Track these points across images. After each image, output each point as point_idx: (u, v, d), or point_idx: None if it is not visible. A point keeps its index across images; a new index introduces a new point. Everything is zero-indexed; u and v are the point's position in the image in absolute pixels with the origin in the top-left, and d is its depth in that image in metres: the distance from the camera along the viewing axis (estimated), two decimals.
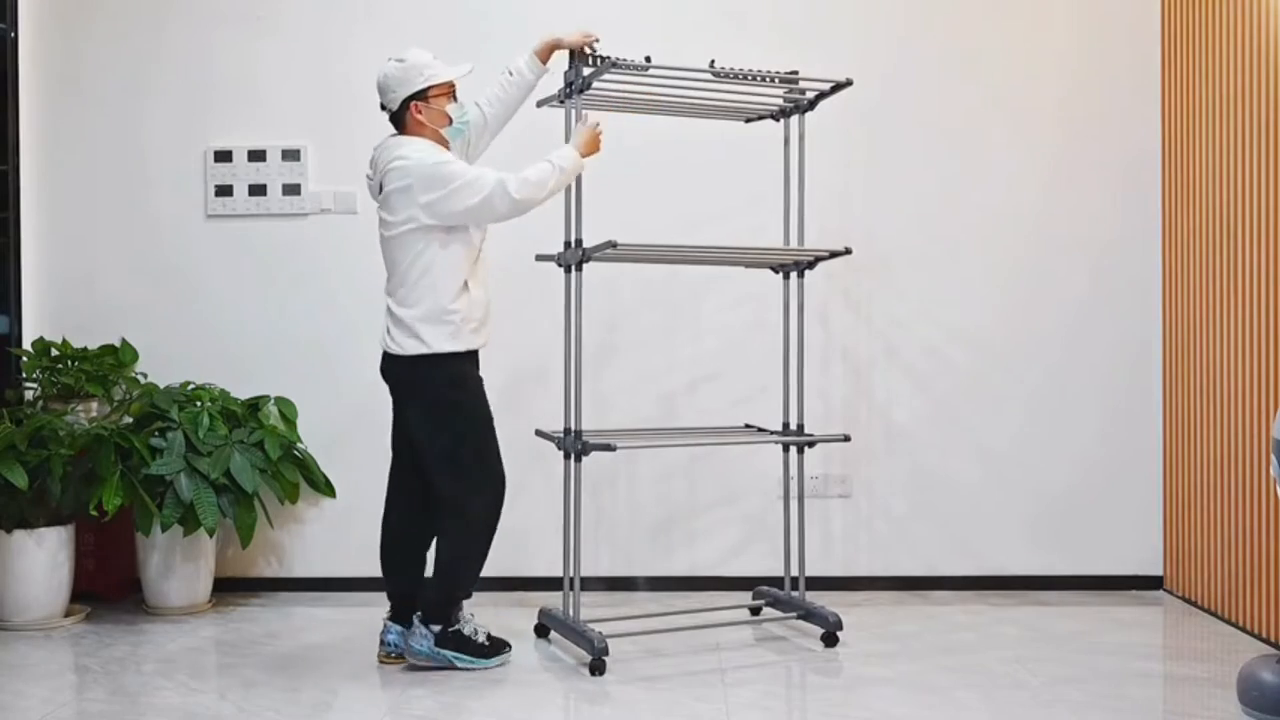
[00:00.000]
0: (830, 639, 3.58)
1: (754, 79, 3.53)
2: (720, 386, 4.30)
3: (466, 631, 3.32)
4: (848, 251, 3.71)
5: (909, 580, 4.31)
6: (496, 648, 3.36)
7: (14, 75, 4.24)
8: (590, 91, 3.47)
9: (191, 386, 4.13)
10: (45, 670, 3.39)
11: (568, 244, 3.46)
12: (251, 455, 3.95)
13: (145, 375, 4.26)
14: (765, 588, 3.96)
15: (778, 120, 3.85)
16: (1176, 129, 4.19)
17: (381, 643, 3.38)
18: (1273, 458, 2.92)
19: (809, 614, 3.69)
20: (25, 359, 4.16)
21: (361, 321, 4.11)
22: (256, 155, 4.32)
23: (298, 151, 4.30)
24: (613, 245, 3.33)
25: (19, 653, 3.56)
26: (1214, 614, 3.92)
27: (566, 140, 3.48)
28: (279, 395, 4.23)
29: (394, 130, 3.38)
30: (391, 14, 4.25)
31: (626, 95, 3.60)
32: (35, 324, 4.29)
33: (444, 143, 3.35)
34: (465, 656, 3.30)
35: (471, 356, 3.34)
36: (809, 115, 3.78)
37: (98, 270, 4.33)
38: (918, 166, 4.30)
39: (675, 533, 4.33)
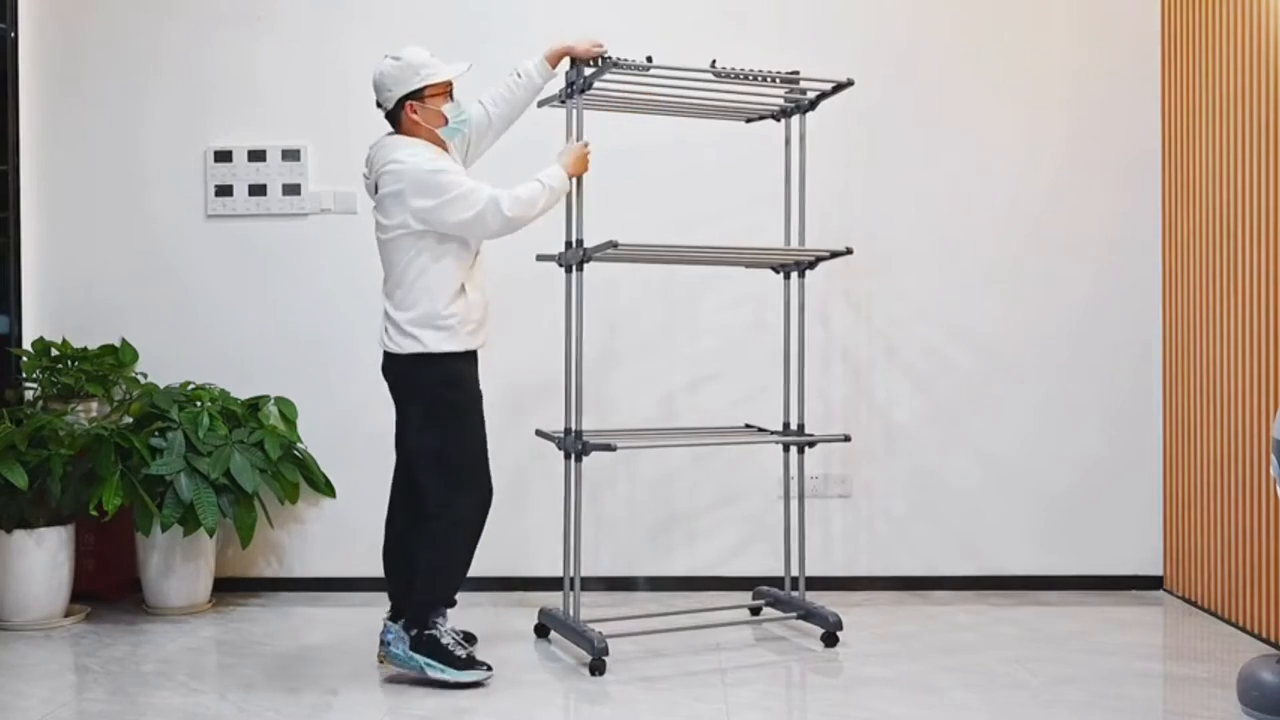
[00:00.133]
0: (830, 639, 3.58)
1: (755, 79, 3.53)
2: (720, 387, 4.30)
3: (444, 641, 3.22)
4: (848, 251, 3.71)
5: (909, 580, 4.31)
6: (473, 663, 3.22)
7: (14, 75, 4.24)
8: (591, 91, 3.47)
9: (191, 386, 4.13)
10: (45, 670, 3.39)
11: (568, 244, 3.46)
12: (251, 455, 3.95)
13: (145, 375, 4.26)
14: (765, 588, 3.96)
15: (778, 120, 3.85)
16: (1176, 129, 4.19)
17: (381, 643, 3.36)
18: (1273, 458, 2.92)
19: (809, 614, 3.69)
20: (25, 359, 4.16)
21: (361, 321, 4.10)
22: (256, 155, 4.31)
23: (298, 151, 4.30)
24: (613, 245, 3.33)
25: (19, 653, 3.56)
26: (1214, 614, 3.92)
27: (565, 139, 3.48)
28: (279, 395, 4.23)
29: (390, 129, 3.35)
30: (391, 14, 4.25)
31: (627, 95, 3.60)
32: (35, 324, 4.29)
33: (440, 143, 3.32)
34: (436, 664, 3.19)
35: (470, 357, 3.31)
36: (810, 115, 3.78)
37: (98, 270, 4.33)
38: (919, 166, 4.30)
39: (675, 533, 4.32)
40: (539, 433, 3.74)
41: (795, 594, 3.80)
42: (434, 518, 3.28)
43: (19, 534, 3.79)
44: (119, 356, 4.22)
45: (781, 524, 3.93)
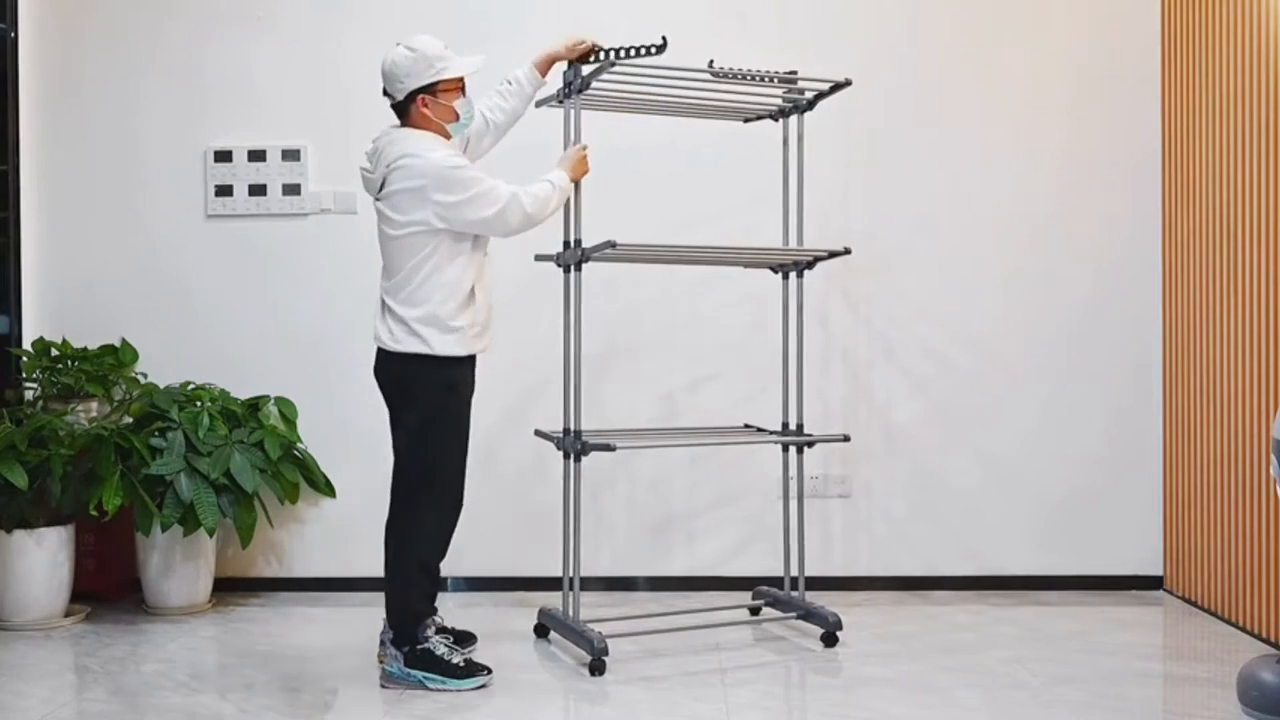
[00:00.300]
0: (830, 639, 3.58)
1: (753, 79, 3.53)
2: (720, 387, 4.30)
3: (439, 652, 3.19)
4: (847, 251, 3.71)
5: (909, 580, 4.31)
6: (472, 670, 3.19)
7: (14, 75, 4.25)
8: (589, 91, 3.47)
9: (191, 386, 4.14)
10: (45, 670, 3.40)
11: (567, 244, 3.46)
12: (251, 455, 3.95)
13: (145, 375, 4.26)
14: (765, 588, 3.96)
15: (776, 120, 3.85)
16: (1176, 129, 4.18)
17: (381, 643, 3.36)
18: (1273, 458, 2.91)
19: (809, 614, 3.69)
20: (25, 359, 4.16)
21: (361, 321, 4.08)
22: (256, 155, 4.32)
23: (298, 151, 4.30)
24: (612, 245, 3.32)
25: (19, 653, 3.57)
26: (1214, 614, 3.92)
27: (563, 139, 3.48)
28: (279, 395, 4.23)
29: (395, 119, 3.29)
30: (391, 14, 4.25)
31: (625, 95, 3.60)
32: (35, 324, 4.29)
33: (447, 138, 3.27)
34: (436, 677, 3.16)
35: (470, 361, 3.28)
36: (810, 115, 3.78)
37: (98, 270, 4.33)
38: (918, 167, 4.30)
39: (675, 533, 4.32)
40: (538, 433, 3.74)
41: (795, 594, 3.80)
42: (401, 528, 3.22)
43: (19, 534, 3.80)
44: (119, 356, 4.22)
45: (781, 524, 3.93)
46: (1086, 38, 4.29)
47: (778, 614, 3.84)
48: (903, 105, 4.29)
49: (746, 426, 3.97)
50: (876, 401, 4.31)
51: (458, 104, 3.26)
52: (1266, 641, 3.59)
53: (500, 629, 3.75)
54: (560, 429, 3.54)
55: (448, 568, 3.43)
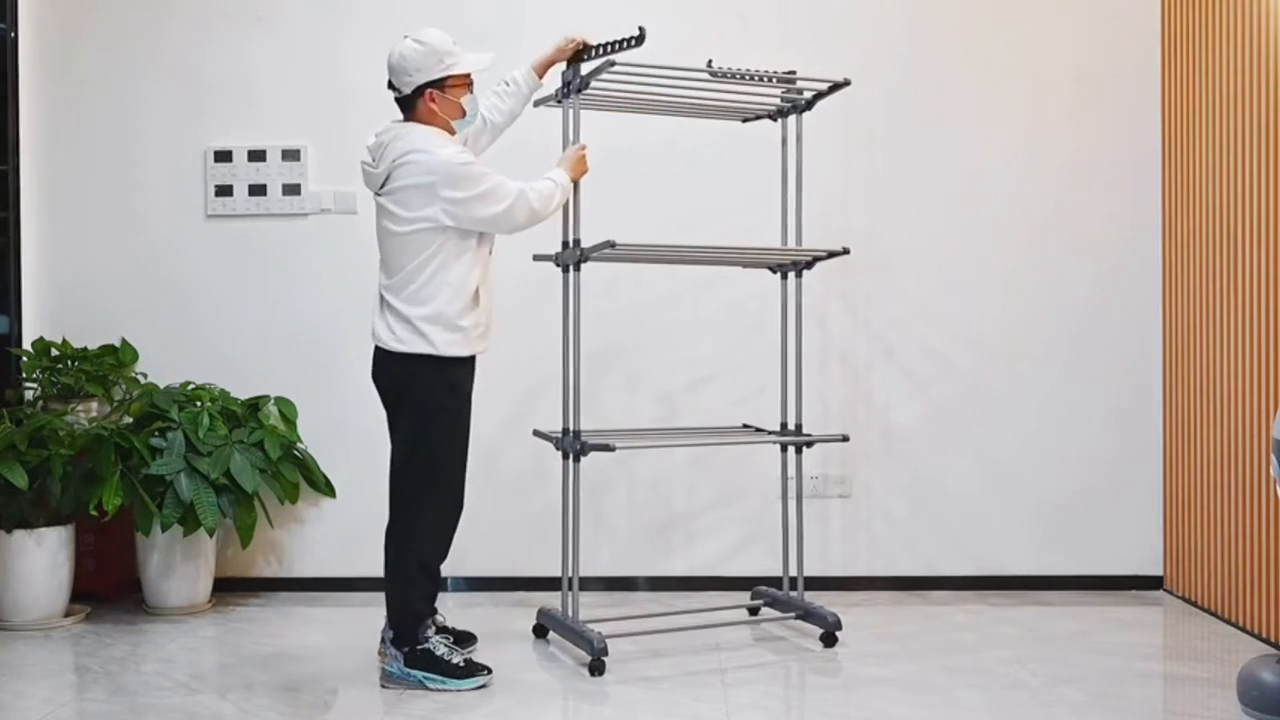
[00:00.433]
0: (829, 639, 3.57)
1: (751, 79, 3.53)
2: (719, 387, 4.30)
3: (439, 652, 3.18)
4: (846, 252, 3.71)
5: (908, 580, 4.31)
6: (472, 670, 3.19)
7: (14, 75, 4.25)
8: (588, 91, 3.47)
9: (191, 386, 4.14)
10: (45, 670, 3.40)
11: (565, 244, 3.45)
12: (251, 455, 3.95)
13: (145, 375, 4.26)
14: (763, 588, 3.96)
15: (775, 120, 3.85)
16: (1176, 129, 4.18)
17: (382, 641, 3.35)
18: (1273, 458, 2.91)
19: (808, 614, 3.69)
20: (25, 359, 4.16)
21: (361, 321, 4.07)
22: (256, 155, 4.32)
23: (298, 151, 4.30)
24: (611, 245, 3.32)
25: (19, 653, 3.57)
26: (1214, 614, 3.92)
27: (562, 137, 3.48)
28: (279, 395, 4.23)
29: (400, 113, 3.25)
30: (391, 13, 4.24)
31: (624, 95, 3.60)
32: (35, 324, 4.30)
33: (451, 133, 3.25)
34: (436, 677, 3.15)
35: (471, 362, 3.27)
36: (809, 115, 3.78)
37: (98, 270, 4.33)
38: (918, 167, 4.30)
39: (675, 533, 4.32)
40: (537, 433, 3.74)
41: (794, 594, 3.80)
42: (402, 531, 3.21)
43: (19, 534, 3.80)
44: (119, 356, 4.22)
45: (780, 524, 3.93)
46: (1086, 38, 4.29)
47: (777, 614, 3.84)
48: (903, 105, 4.29)
49: (745, 426, 3.97)
50: (876, 402, 4.31)
51: (465, 100, 3.23)
52: (1266, 641, 3.59)
53: (500, 629, 3.75)
54: (559, 429, 3.54)
55: (448, 568, 3.43)
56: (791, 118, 3.79)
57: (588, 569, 4.12)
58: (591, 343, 4.01)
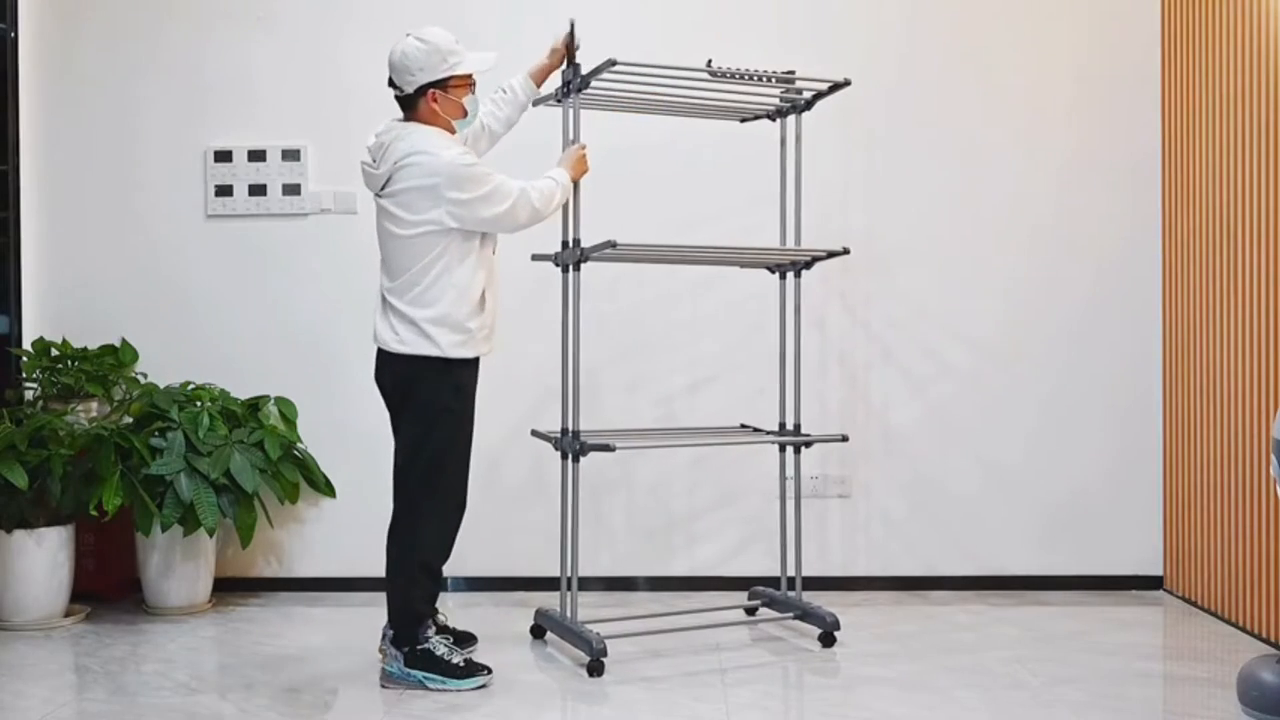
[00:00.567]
0: (828, 639, 3.57)
1: (751, 79, 3.53)
2: (719, 388, 4.30)
3: (439, 652, 3.18)
4: (845, 251, 3.71)
5: (908, 580, 4.31)
6: (472, 670, 3.19)
7: (14, 75, 4.25)
8: (587, 91, 3.47)
9: (191, 386, 4.14)
10: (45, 670, 3.40)
11: (565, 244, 3.45)
12: (251, 455, 3.95)
13: (145, 375, 4.26)
14: (761, 588, 3.96)
15: (774, 120, 3.85)
16: (1176, 129, 4.18)
17: (383, 637, 3.34)
18: (1273, 458, 2.91)
19: (806, 614, 3.68)
20: (25, 359, 4.16)
21: (361, 322, 4.08)
22: (256, 155, 4.32)
23: (298, 151, 4.30)
24: (612, 245, 3.32)
25: (19, 653, 3.57)
26: (1214, 614, 3.92)
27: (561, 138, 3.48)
28: (279, 395, 4.23)
29: (400, 111, 3.23)
30: (391, 13, 4.24)
31: (623, 95, 3.60)
32: (35, 324, 4.30)
33: (452, 133, 3.24)
34: (436, 677, 3.15)
35: (476, 364, 3.26)
36: (809, 115, 3.77)
37: (98, 270, 4.33)
38: (917, 167, 4.30)
39: (674, 533, 4.32)
40: (535, 433, 3.74)
41: (792, 594, 3.79)
42: (403, 533, 3.21)
43: (19, 534, 3.80)
44: (119, 356, 4.22)
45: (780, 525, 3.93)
46: (1086, 38, 4.29)
47: (775, 614, 3.84)
48: (903, 105, 4.29)
49: (743, 427, 3.97)
50: (875, 402, 4.31)
51: (466, 100, 3.22)
52: (1266, 641, 3.59)
53: (501, 629, 3.75)
54: (558, 429, 3.53)
55: (448, 568, 3.42)
56: (791, 118, 3.79)
57: (587, 569, 4.12)
58: (591, 343, 4.01)
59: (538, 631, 3.68)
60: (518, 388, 4.23)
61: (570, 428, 3.45)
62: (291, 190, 4.31)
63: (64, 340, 4.19)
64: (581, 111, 3.49)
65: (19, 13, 4.26)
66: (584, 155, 3.41)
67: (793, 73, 3.61)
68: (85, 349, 4.19)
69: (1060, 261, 4.30)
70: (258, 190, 4.32)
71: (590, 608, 3.83)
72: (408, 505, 3.23)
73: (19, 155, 4.26)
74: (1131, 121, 4.29)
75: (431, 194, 3.08)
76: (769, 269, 3.92)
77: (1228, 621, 3.83)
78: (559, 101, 3.52)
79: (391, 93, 3.24)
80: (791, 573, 3.82)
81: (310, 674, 3.35)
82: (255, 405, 4.17)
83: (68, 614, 3.91)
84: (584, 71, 3.40)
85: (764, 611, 3.91)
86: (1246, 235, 3.69)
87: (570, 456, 3.43)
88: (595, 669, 3.28)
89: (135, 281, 4.33)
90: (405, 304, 3.15)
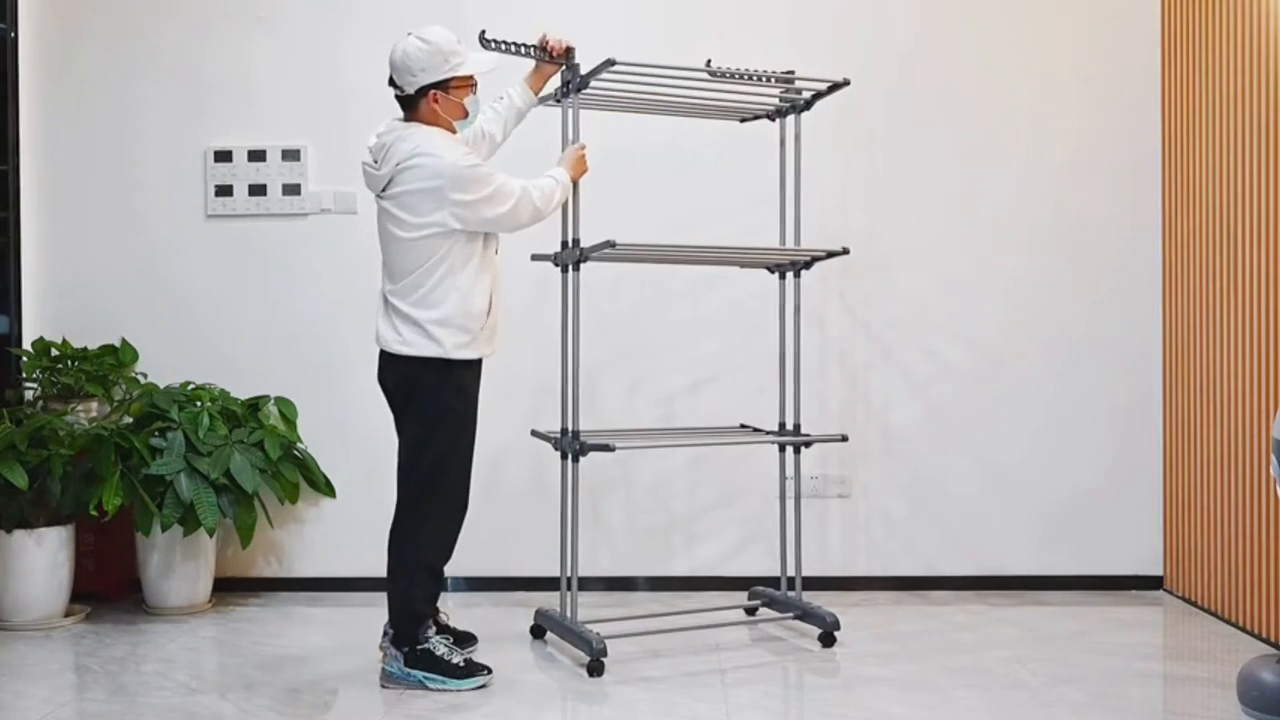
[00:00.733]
0: (828, 639, 3.57)
1: (750, 79, 3.53)
2: (719, 388, 4.30)
3: (439, 652, 3.18)
4: (845, 251, 3.71)
5: (908, 580, 4.31)
6: (472, 670, 3.19)
7: (14, 75, 4.25)
8: (586, 91, 3.47)
9: (191, 386, 4.14)
10: (45, 670, 3.40)
11: (565, 244, 3.45)
12: (251, 455, 3.95)
13: (145, 375, 4.26)
14: (761, 588, 3.96)
15: (773, 120, 3.85)
16: (1176, 129, 4.18)
17: (384, 634, 3.33)
18: (1273, 458, 2.91)
19: (806, 614, 3.68)
20: (25, 359, 4.16)
21: (362, 322, 4.08)
22: (256, 155, 4.32)
23: (298, 151, 4.31)
24: (612, 245, 3.32)
25: (19, 653, 3.57)
26: (1214, 614, 3.92)
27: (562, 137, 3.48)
28: (279, 395, 4.23)
29: (397, 112, 3.23)
30: (391, 13, 4.24)
31: (623, 94, 3.60)
32: (35, 324, 4.30)
33: (453, 133, 3.24)
34: (436, 676, 3.15)
35: (479, 365, 3.26)
36: (809, 115, 3.77)
37: (98, 270, 4.34)
38: (917, 167, 4.30)
39: (674, 533, 4.32)
40: (534, 433, 3.74)
41: (792, 594, 3.79)
42: (405, 534, 3.20)
43: (19, 534, 3.80)
44: (119, 356, 4.22)
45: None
46: (1087, 38, 4.29)
47: (775, 614, 3.84)
48: (903, 105, 4.29)
49: (743, 427, 3.97)
50: (875, 402, 4.31)
51: (468, 101, 3.22)
52: (1266, 641, 3.59)
53: (501, 629, 3.75)
54: (558, 429, 3.53)
55: (449, 568, 3.42)
56: (790, 118, 3.79)
57: (587, 569, 4.12)
58: (591, 343, 4.01)
59: (538, 631, 3.68)
60: (518, 388, 4.23)
61: (570, 428, 3.45)
62: (291, 190, 4.31)
63: (64, 340, 4.19)
64: (581, 111, 3.49)
65: (19, 13, 4.26)
66: (583, 155, 3.41)
67: (792, 73, 3.61)
68: (85, 349, 4.19)
69: (1060, 261, 4.30)
70: (258, 190, 4.32)
71: (590, 608, 3.83)
72: (410, 505, 3.23)
73: (19, 155, 4.26)
74: (1131, 121, 4.29)
75: (435, 196, 3.08)
76: (769, 269, 3.92)
77: (1228, 621, 3.83)
78: (558, 101, 3.53)
79: (392, 92, 3.24)
80: (791, 573, 3.82)
81: (310, 674, 3.35)
82: (255, 405, 4.17)
83: (68, 614, 3.91)
84: (583, 71, 3.40)
85: (764, 611, 3.91)
86: (1246, 235, 3.69)
87: (570, 456, 3.43)
88: (595, 669, 3.28)
89: (135, 281, 4.33)
90: (409, 305, 3.15)
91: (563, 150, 3.46)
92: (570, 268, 3.43)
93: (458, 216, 3.10)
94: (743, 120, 3.91)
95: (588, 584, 4.11)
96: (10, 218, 4.25)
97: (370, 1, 4.29)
